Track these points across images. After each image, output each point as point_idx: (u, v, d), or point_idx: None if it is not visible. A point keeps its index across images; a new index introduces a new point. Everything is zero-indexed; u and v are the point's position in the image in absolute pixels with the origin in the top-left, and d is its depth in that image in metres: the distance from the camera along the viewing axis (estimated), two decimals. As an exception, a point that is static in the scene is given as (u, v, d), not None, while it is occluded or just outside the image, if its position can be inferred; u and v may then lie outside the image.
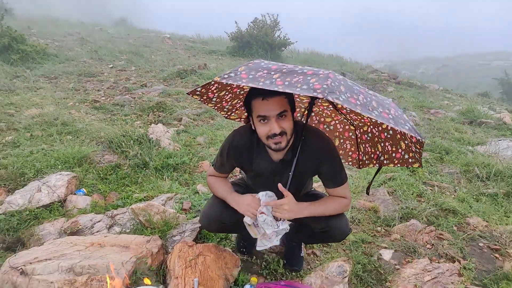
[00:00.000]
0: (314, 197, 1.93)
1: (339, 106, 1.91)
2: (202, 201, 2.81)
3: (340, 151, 2.11)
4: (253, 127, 1.65)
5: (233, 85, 1.95)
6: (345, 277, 2.04)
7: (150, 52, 11.08)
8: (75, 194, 2.76)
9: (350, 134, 2.07)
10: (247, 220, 1.70)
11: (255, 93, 1.54)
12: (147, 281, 1.71)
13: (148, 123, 4.70)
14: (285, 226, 1.68)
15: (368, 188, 1.98)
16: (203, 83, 1.56)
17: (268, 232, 1.65)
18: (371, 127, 1.90)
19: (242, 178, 2.13)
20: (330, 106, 1.97)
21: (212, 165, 1.94)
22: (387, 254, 2.41)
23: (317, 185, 2.89)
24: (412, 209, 2.99)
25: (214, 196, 1.92)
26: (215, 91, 1.97)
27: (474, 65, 32.46)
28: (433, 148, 4.61)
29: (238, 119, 2.14)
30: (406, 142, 1.68)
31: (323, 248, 2.41)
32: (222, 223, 1.87)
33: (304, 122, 1.69)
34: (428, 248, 2.52)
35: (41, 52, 8.23)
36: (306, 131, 1.68)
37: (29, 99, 5.10)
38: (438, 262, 2.32)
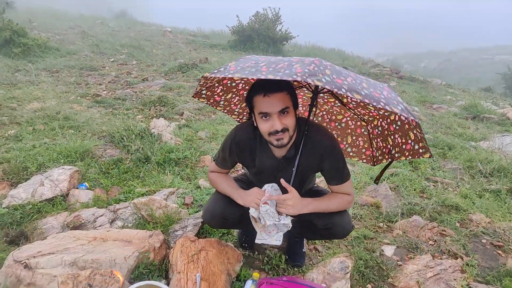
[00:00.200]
0: (317, 193, 1.92)
1: (345, 100, 1.89)
2: (204, 196, 2.81)
3: (353, 149, 2.08)
4: (255, 124, 1.64)
5: (239, 87, 1.94)
6: (347, 273, 2.04)
7: (151, 45, 11.03)
8: (77, 188, 2.76)
9: (363, 130, 2.03)
10: (252, 212, 1.69)
11: (256, 90, 1.53)
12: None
13: (150, 117, 4.69)
14: (286, 222, 1.67)
15: (377, 178, 1.92)
16: (214, 74, 1.55)
17: (268, 223, 1.63)
18: (380, 120, 1.85)
19: (244, 174, 2.13)
20: (337, 102, 1.94)
21: (214, 160, 1.93)
22: (389, 250, 2.41)
23: (319, 180, 2.88)
24: (414, 205, 2.99)
25: (217, 192, 1.92)
26: (221, 93, 1.96)
27: (477, 60, 32.22)
28: (435, 144, 4.59)
29: None
30: (414, 132, 1.63)
31: (325, 244, 2.41)
32: (225, 219, 1.86)
33: (309, 118, 1.68)
34: (430, 244, 2.52)
35: (43, 46, 8.20)
36: (309, 127, 1.66)
37: (31, 93, 5.09)
38: (441, 259, 2.31)
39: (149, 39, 12.34)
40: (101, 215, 2.43)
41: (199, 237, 2.21)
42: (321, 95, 1.95)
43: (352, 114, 2.01)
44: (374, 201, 3.00)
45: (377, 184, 2.20)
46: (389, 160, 1.85)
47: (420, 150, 1.62)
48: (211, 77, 1.56)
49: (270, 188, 1.70)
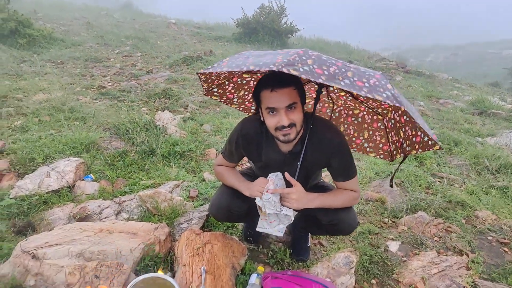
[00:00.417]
0: (323, 188, 1.92)
1: (355, 93, 1.85)
2: (209, 189, 2.82)
3: (370, 144, 2.04)
4: (262, 119, 1.62)
5: (250, 84, 1.93)
6: (352, 268, 2.04)
7: (156, 37, 10.97)
8: (83, 180, 2.77)
9: (379, 124, 1.98)
10: (257, 200, 1.68)
11: (264, 85, 1.51)
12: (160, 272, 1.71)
13: (155, 109, 4.69)
14: (288, 213, 1.65)
15: (391, 180, 1.91)
16: (208, 70, 1.55)
17: (268, 212, 1.62)
18: (393, 112, 1.79)
19: (250, 168, 2.12)
20: (349, 95, 1.89)
21: (221, 153, 1.92)
22: (394, 246, 2.41)
23: (325, 174, 2.87)
24: (420, 200, 2.97)
25: (224, 185, 1.92)
26: (232, 91, 1.95)
27: (483, 54, 31.80)
28: (441, 139, 4.55)
29: None
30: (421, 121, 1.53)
31: (329, 239, 2.41)
32: (230, 212, 1.86)
33: (314, 112, 1.66)
34: (435, 240, 2.51)
35: (48, 37, 8.18)
36: (314, 121, 1.64)
37: (37, 84, 5.09)
38: (446, 255, 2.31)
39: (154, 30, 12.28)
40: (107, 207, 2.44)
41: (204, 230, 2.22)
42: (331, 89, 1.92)
43: (366, 108, 1.96)
44: (379, 197, 2.99)
45: (391, 187, 2.18)
46: (402, 155, 1.79)
47: (430, 142, 1.53)
48: (205, 72, 1.55)
49: (274, 177, 1.68)
